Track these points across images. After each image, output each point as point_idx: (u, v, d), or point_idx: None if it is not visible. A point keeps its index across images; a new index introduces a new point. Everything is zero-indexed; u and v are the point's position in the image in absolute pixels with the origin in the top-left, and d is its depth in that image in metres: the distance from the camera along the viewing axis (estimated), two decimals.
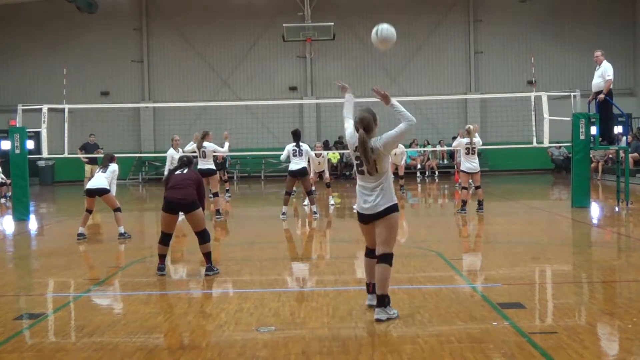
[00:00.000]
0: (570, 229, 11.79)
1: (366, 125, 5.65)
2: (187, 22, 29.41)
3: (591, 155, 16.42)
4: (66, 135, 15.78)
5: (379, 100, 6.09)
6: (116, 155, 11.59)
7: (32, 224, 13.90)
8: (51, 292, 7.38)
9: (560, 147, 24.55)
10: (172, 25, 29.42)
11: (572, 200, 13.79)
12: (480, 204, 13.37)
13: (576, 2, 29.02)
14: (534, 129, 16.04)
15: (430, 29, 29.29)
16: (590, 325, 5.46)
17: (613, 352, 4.89)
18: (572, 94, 14.95)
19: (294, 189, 13.87)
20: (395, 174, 18.18)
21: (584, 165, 13.95)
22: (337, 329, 5.35)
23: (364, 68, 29.26)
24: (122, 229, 10.82)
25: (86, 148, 20.26)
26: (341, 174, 27.40)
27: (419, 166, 26.82)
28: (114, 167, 11.07)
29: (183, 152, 14.04)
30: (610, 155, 22.39)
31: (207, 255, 7.69)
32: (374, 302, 5.78)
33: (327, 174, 16.45)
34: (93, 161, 19.13)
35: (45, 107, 15.12)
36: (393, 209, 5.67)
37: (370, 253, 5.95)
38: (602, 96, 13.42)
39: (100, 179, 10.84)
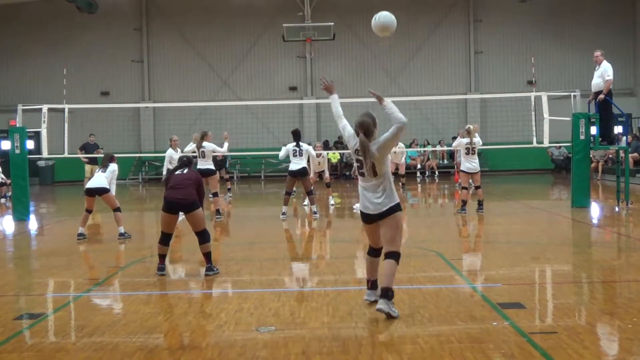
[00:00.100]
0: (570, 229, 11.79)
1: (366, 129, 5.74)
2: (187, 22, 29.41)
3: (591, 155, 16.42)
4: (66, 135, 15.78)
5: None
6: (116, 155, 11.60)
7: (32, 224, 13.90)
8: (51, 292, 7.38)
9: (560, 147, 24.55)
10: (172, 25, 29.43)
11: (572, 200, 13.79)
12: (480, 204, 13.37)
13: (576, 2, 29.02)
14: (534, 129, 16.04)
15: (430, 29, 29.29)
16: (590, 325, 5.46)
17: (613, 352, 4.89)
18: (572, 94, 14.95)
19: (294, 189, 13.87)
20: (396, 173, 18.19)
21: (584, 165, 13.95)
22: (337, 329, 5.35)
23: (364, 68, 29.26)
24: (122, 229, 10.82)
25: (86, 148, 20.26)
26: (341, 174, 27.40)
27: (419, 166, 26.82)
28: (113, 167, 11.07)
29: (183, 152, 14.03)
30: (610, 155, 22.39)
31: (207, 255, 7.69)
32: (372, 298, 5.93)
33: (327, 174, 16.44)
34: (93, 161, 19.13)
35: (45, 107, 15.12)
36: (396, 208, 5.76)
37: (372, 251, 6.05)
38: (602, 96, 13.42)
39: (100, 179, 10.84)
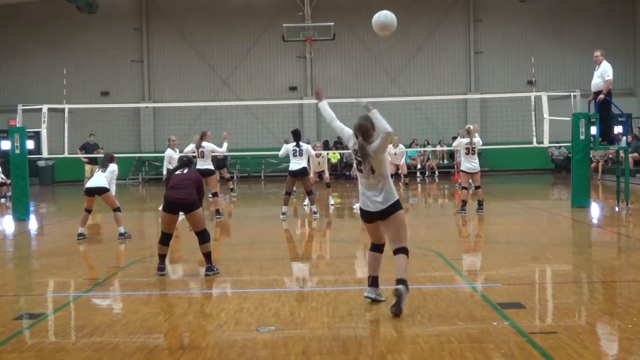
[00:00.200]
0: (570, 229, 11.79)
1: (364, 132, 5.88)
2: (187, 22, 29.41)
3: (591, 155, 16.42)
4: (66, 135, 15.78)
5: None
6: (116, 155, 11.60)
7: (32, 224, 13.90)
8: (51, 292, 7.38)
9: (560, 147, 24.55)
10: (172, 25, 29.43)
11: (572, 200, 13.79)
12: (480, 204, 13.37)
13: (576, 2, 29.02)
14: (534, 129, 16.04)
15: (430, 29, 29.29)
16: (590, 325, 5.46)
17: (613, 352, 4.89)
18: (572, 94, 14.95)
19: (294, 189, 13.87)
20: (396, 174, 18.19)
21: (584, 165, 13.95)
22: (337, 329, 5.35)
23: (364, 68, 29.26)
24: (122, 229, 10.82)
25: (86, 148, 20.26)
26: (341, 174, 27.39)
27: (419, 166, 26.82)
28: (113, 167, 11.07)
29: (182, 152, 14.02)
30: (610, 155, 22.40)
31: (207, 255, 7.69)
32: (373, 296, 6.02)
33: (327, 174, 16.45)
34: (93, 161, 19.12)
35: (45, 107, 15.12)
36: (397, 206, 5.88)
37: (375, 247, 6.13)
38: (602, 96, 13.42)
39: (99, 178, 10.85)
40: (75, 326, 5.77)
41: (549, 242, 10.06)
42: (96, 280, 7.85)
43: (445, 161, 27.86)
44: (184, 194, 7.66)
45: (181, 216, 7.93)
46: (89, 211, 10.87)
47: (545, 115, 15.08)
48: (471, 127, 13.65)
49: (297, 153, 13.36)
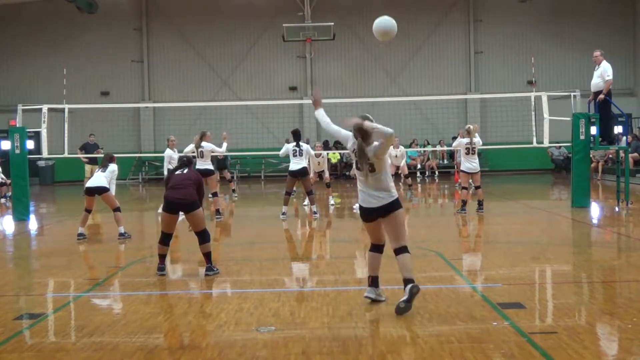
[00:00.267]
0: (570, 229, 11.79)
1: (364, 133, 5.88)
2: (187, 22, 29.41)
3: (591, 155, 16.42)
4: (66, 135, 15.78)
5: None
6: (116, 155, 11.61)
7: (32, 224, 13.90)
8: (51, 292, 7.38)
9: (560, 147, 24.55)
10: (172, 25, 29.43)
11: (572, 200, 13.79)
12: (480, 204, 13.37)
13: (576, 2, 29.02)
14: (534, 129, 16.04)
15: (430, 29, 29.29)
16: (590, 325, 5.46)
17: (613, 352, 4.89)
18: (572, 94, 14.95)
19: (295, 188, 13.87)
20: (396, 174, 18.18)
21: (584, 165, 13.95)
22: (337, 329, 5.35)
23: (364, 68, 29.26)
24: (122, 229, 10.82)
25: (86, 148, 20.27)
26: (341, 174, 27.38)
27: (419, 166, 26.82)
28: (113, 167, 11.07)
29: (182, 152, 14.02)
30: (610, 155, 22.39)
31: (207, 255, 7.69)
32: (373, 296, 6.04)
33: (327, 174, 16.45)
34: (93, 161, 19.13)
35: (45, 107, 15.13)
36: (397, 204, 5.91)
37: (374, 247, 6.14)
38: (602, 96, 13.42)
39: (99, 178, 10.85)
40: (75, 326, 5.77)
41: (549, 242, 10.06)
42: (96, 280, 7.85)
43: (445, 161, 27.86)
44: (184, 194, 7.66)
45: (181, 216, 7.93)
46: (88, 211, 10.88)
47: (545, 115, 15.08)
48: (471, 127, 13.65)
49: (297, 153, 13.37)
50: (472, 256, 9.36)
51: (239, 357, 4.76)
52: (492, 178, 24.41)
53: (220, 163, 20.41)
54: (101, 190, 10.75)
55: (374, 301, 6.02)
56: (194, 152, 13.59)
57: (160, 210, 8.02)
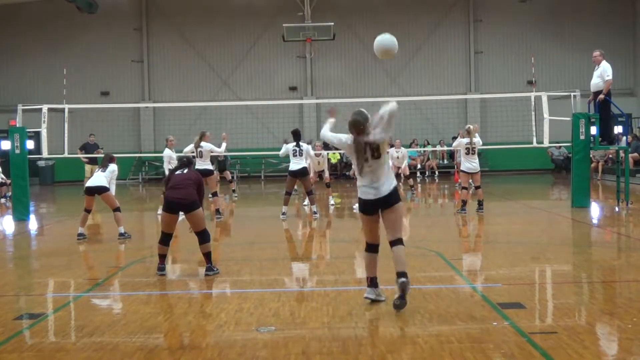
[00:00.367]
0: (570, 229, 11.79)
1: (359, 129, 5.99)
2: (187, 22, 29.42)
3: (591, 155, 16.42)
4: (66, 135, 15.78)
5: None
6: (116, 155, 11.61)
7: (32, 224, 13.90)
8: (51, 292, 7.38)
9: (560, 147, 24.55)
10: (172, 25, 29.43)
11: (572, 200, 13.79)
12: (480, 204, 13.37)
13: (576, 2, 29.02)
14: (534, 129, 16.04)
15: (430, 29, 29.29)
16: (590, 325, 5.46)
17: (613, 352, 4.88)
18: (572, 94, 14.95)
19: (296, 188, 13.86)
20: (397, 174, 18.16)
21: (584, 165, 13.95)
22: (337, 329, 5.35)
23: (364, 68, 29.25)
24: (122, 229, 10.82)
25: (86, 148, 20.27)
26: (341, 173, 27.39)
27: (419, 166, 26.82)
28: (113, 167, 11.08)
29: (182, 153, 14.02)
30: (610, 155, 22.39)
31: (207, 255, 7.69)
32: (372, 296, 6.05)
33: (327, 174, 16.44)
34: (93, 161, 19.12)
35: (45, 107, 15.13)
36: (397, 197, 6.00)
37: (371, 248, 6.14)
38: (602, 96, 13.41)
39: (99, 177, 10.85)
40: (75, 326, 5.77)
41: (549, 242, 10.05)
42: (96, 280, 7.84)
43: (445, 161, 27.87)
44: (184, 194, 7.66)
45: (181, 216, 7.93)
46: (88, 211, 10.88)
47: (545, 115, 15.08)
48: (471, 127, 13.65)
49: (297, 153, 13.37)
50: (472, 256, 9.36)
51: (239, 357, 4.76)
52: (492, 178, 24.41)
53: (221, 164, 20.42)
54: (101, 190, 10.75)
55: (374, 301, 6.03)
56: (193, 152, 13.59)
57: (160, 211, 8.03)
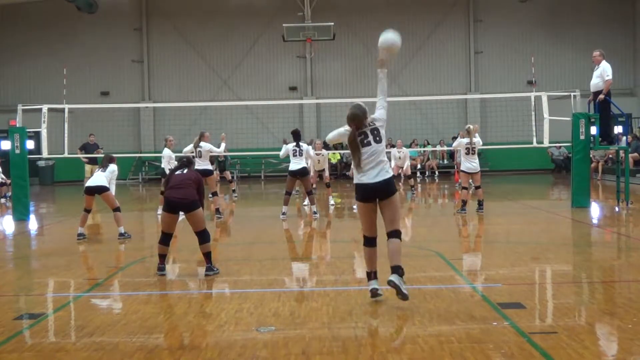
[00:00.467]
0: (570, 229, 11.79)
1: (358, 122, 6.17)
2: (187, 22, 29.43)
3: (591, 155, 16.42)
4: (66, 135, 15.79)
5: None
6: (116, 155, 11.62)
7: (32, 224, 13.90)
8: (51, 292, 7.38)
9: (560, 147, 24.55)
10: (172, 25, 29.43)
11: (572, 200, 13.79)
12: (480, 204, 13.37)
13: (576, 2, 29.03)
14: (534, 129, 16.04)
15: (430, 29, 29.29)
16: (590, 325, 5.46)
17: (613, 352, 4.88)
18: (572, 94, 14.97)
19: (297, 188, 13.86)
20: (398, 175, 18.16)
21: (584, 165, 13.95)
22: (337, 329, 5.35)
23: (364, 68, 29.24)
24: (122, 229, 10.82)
25: (86, 148, 20.27)
26: (341, 173, 27.39)
27: (419, 166, 26.82)
28: (113, 167, 11.08)
29: (181, 152, 14.03)
30: (610, 155, 22.39)
31: (207, 255, 7.69)
32: (377, 285, 6.14)
33: (327, 174, 16.45)
34: (93, 161, 19.13)
35: (45, 107, 15.14)
36: (394, 186, 6.14)
37: (369, 242, 6.24)
38: (602, 96, 13.41)
39: (99, 177, 10.85)
40: (75, 326, 5.77)
41: (549, 242, 10.05)
42: (96, 280, 7.84)
43: (445, 161, 27.88)
44: (184, 194, 7.67)
45: (181, 216, 7.94)
46: (88, 211, 10.88)
47: (545, 115, 15.09)
48: (471, 127, 13.65)
49: (297, 153, 13.37)
50: (472, 256, 9.36)
51: (239, 357, 4.76)
52: (492, 178, 24.41)
53: (220, 165, 20.42)
54: (101, 190, 10.75)
55: (376, 295, 6.08)
56: (192, 152, 13.59)
57: (159, 211, 8.03)
